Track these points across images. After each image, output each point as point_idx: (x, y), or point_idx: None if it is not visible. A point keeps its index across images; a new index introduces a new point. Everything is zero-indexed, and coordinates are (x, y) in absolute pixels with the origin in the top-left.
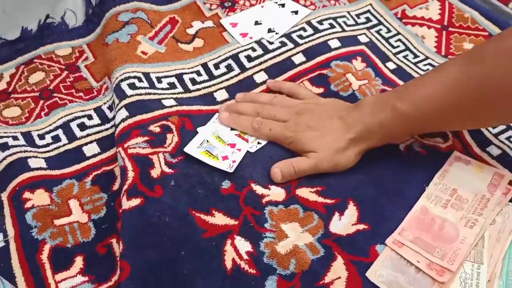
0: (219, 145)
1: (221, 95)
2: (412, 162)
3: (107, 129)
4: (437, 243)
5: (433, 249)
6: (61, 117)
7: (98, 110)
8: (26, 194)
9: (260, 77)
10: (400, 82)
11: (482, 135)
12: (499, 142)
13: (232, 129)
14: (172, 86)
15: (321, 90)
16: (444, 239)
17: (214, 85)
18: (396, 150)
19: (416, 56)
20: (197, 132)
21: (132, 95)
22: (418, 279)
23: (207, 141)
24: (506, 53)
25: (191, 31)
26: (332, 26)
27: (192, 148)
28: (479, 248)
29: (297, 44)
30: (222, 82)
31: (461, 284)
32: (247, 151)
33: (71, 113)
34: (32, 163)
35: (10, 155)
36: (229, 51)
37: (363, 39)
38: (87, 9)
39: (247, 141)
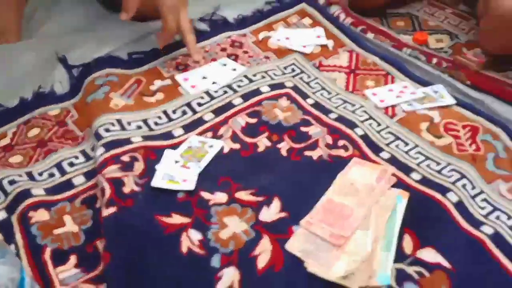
0: (177, 171)
1: (178, 132)
2: (322, 168)
3: (90, 165)
4: (337, 220)
5: (334, 224)
6: (54, 159)
7: (82, 152)
8: (31, 213)
9: (208, 116)
10: (317, 113)
11: (375, 144)
12: (389, 149)
13: (176, 161)
14: (138, 127)
15: (255, 120)
16: (342, 217)
17: (172, 125)
18: (310, 160)
19: (329, 93)
20: (157, 161)
21: (107, 137)
22: (323, 245)
23: (166, 173)
24: None
25: (153, 87)
26: (263, 77)
27: (158, 182)
28: (366, 220)
29: (235, 91)
30: (178, 122)
31: (354, 245)
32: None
33: (62, 156)
34: (34, 192)
35: (17, 187)
36: (184, 101)
37: (288, 84)
38: (71, 79)
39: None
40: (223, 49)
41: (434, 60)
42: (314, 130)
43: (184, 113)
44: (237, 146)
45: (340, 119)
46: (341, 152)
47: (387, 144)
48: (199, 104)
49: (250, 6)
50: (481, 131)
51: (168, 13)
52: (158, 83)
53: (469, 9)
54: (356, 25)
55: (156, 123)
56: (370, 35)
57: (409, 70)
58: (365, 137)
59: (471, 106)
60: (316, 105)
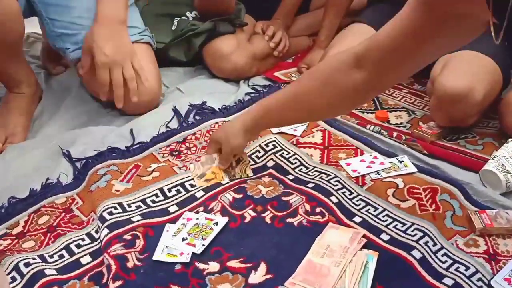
0: (175, 245)
1: (173, 209)
2: (302, 232)
3: (95, 245)
4: (317, 279)
5: (314, 283)
6: (63, 242)
7: (88, 234)
8: None
9: (200, 193)
10: (298, 186)
11: (348, 210)
12: (361, 214)
13: (183, 239)
14: (138, 207)
15: (241, 195)
16: (321, 276)
17: (168, 202)
18: (292, 226)
19: (307, 168)
20: (157, 238)
21: (111, 219)
22: None
23: (166, 246)
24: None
25: (150, 169)
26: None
27: (158, 255)
28: (342, 278)
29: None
30: (173, 200)
31: None
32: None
33: (70, 239)
34: (47, 272)
35: (32, 269)
36: (178, 180)
37: (270, 164)
38: (74, 171)
39: (194, 246)
40: None
41: (395, 134)
42: (294, 198)
43: (178, 192)
44: (226, 218)
45: (317, 188)
46: (318, 218)
47: (359, 210)
48: (191, 185)
49: (232, 97)
50: (440, 192)
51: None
52: (154, 165)
53: (422, 88)
54: None
55: (153, 201)
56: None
57: (375, 145)
58: (339, 204)
59: (430, 171)
60: (296, 180)
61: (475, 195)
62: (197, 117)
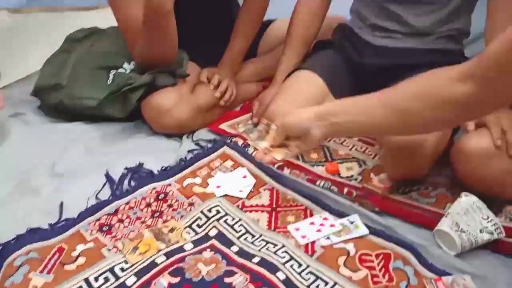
0: None
1: None
2: None
3: None
4: None
5: None
6: None
7: None
8: None
9: (131, 281)
10: (242, 261)
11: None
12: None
13: None
14: None
15: (178, 279)
16: None
17: None
18: None
19: (253, 236)
20: None
21: None
22: None
23: None
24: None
25: (75, 253)
26: (188, 233)
27: None
28: None
29: (160, 250)
30: None
31: None
32: None
33: None
34: None
35: None
36: (106, 265)
37: (212, 232)
38: None
39: None
40: (148, 204)
41: (345, 190)
42: (238, 279)
43: (106, 280)
44: None
45: (263, 263)
46: None
47: (308, 286)
48: (122, 269)
49: (174, 155)
50: (393, 258)
51: None
52: (80, 247)
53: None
54: (273, 162)
55: None
56: (286, 171)
57: (326, 203)
58: (286, 282)
59: (382, 233)
60: (240, 252)
61: (431, 258)
62: (132, 183)
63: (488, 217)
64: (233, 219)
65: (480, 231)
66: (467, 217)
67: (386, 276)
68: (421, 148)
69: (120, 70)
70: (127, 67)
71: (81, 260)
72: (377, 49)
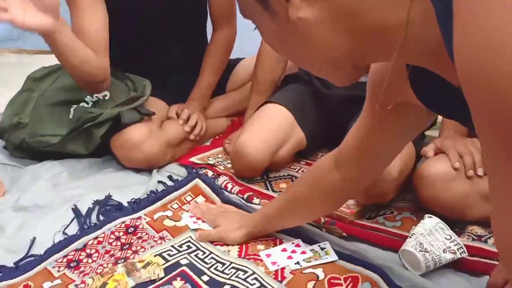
0: None
1: None
2: None
3: None
4: None
5: None
6: None
7: None
8: None
9: None
10: None
11: None
12: None
13: None
14: None
15: None
16: None
17: None
18: None
19: (223, 264)
20: None
21: None
22: None
23: None
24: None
25: None
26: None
27: None
28: None
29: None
30: None
31: None
32: None
33: None
34: None
35: None
36: None
37: (183, 261)
38: None
39: None
40: (117, 238)
41: None
42: None
43: None
44: None
45: None
46: None
47: None
48: None
49: (143, 188)
50: (361, 281)
51: None
52: (47, 285)
53: None
54: (243, 192)
55: None
56: (256, 201)
57: (295, 232)
58: None
59: (350, 257)
60: (211, 281)
61: (397, 279)
62: (101, 217)
63: (451, 237)
64: (204, 253)
65: (444, 250)
66: (431, 238)
67: None
68: (386, 173)
69: (82, 104)
70: (89, 99)
71: None
72: None
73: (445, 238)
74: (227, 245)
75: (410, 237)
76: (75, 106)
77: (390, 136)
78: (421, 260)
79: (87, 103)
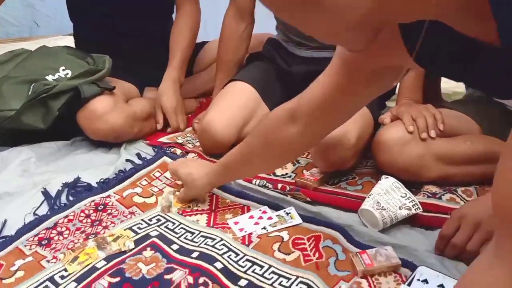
0: None
1: None
2: None
3: None
4: None
5: None
6: None
7: None
8: None
9: (71, 286)
10: (182, 258)
11: (234, 275)
12: (247, 275)
13: None
14: None
15: (117, 279)
16: None
17: None
18: None
19: (192, 234)
20: None
21: None
22: None
23: None
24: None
25: (14, 268)
26: (127, 229)
27: None
28: None
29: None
30: None
31: None
32: None
33: None
34: None
35: None
36: (46, 275)
37: (153, 233)
38: None
39: None
40: (87, 216)
41: (280, 186)
42: (177, 274)
43: None
44: None
45: (201, 256)
46: None
47: (245, 272)
48: (62, 277)
49: (112, 168)
50: (322, 239)
51: None
52: (19, 262)
53: None
54: None
55: None
56: None
57: (262, 199)
58: (224, 270)
59: (313, 219)
60: (180, 249)
61: (357, 236)
62: (71, 198)
63: (406, 195)
64: (173, 224)
65: (399, 208)
66: (387, 196)
67: (317, 254)
68: (345, 140)
69: (43, 81)
70: (50, 78)
71: (20, 273)
72: (301, 59)
73: (401, 196)
74: (196, 214)
75: (368, 197)
76: (36, 83)
77: (359, 95)
78: (378, 218)
79: (47, 81)
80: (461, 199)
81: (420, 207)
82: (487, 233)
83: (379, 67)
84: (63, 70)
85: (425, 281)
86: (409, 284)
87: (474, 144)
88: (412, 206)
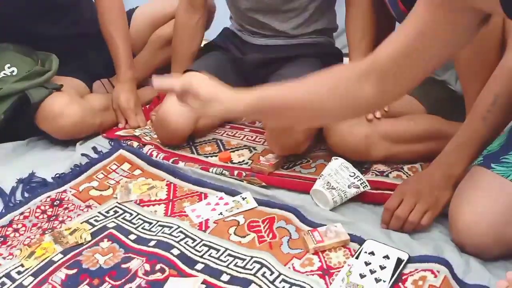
0: None
1: None
2: None
3: None
4: None
5: None
6: None
7: None
8: None
9: (28, 281)
10: (139, 247)
11: (190, 259)
12: (203, 260)
13: None
14: None
15: (74, 270)
16: None
17: None
18: None
19: (150, 223)
20: None
21: None
22: None
23: None
24: None
25: None
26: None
27: None
28: None
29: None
30: None
31: None
32: None
33: None
34: None
35: None
36: (2, 271)
37: (111, 224)
38: None
39: None
40: (43, 212)
41: (236, 172)
42: (134, 263)
43: (3, 284)
44: None
45: (159, 244)
46: (158, 276)
47: (201, 256)
48: (18, 273)
49: (68, 162)
50: (276, 220)
51: None
52: None
53: (261, 124)
54: (168, 158)
55: None
56: (181, 164)
57: (219, 186)
58: (180, 256)
59: (268, 202)
60: (138, 239)
61: (309, 215)
62: (26, 194)
63: (354, 174)
64: (131, 215)
65: (348, 186)
66: (337, 176)
67: (270, 235)
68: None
69: None
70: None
71: None
72: (255, 47)
73: (349, 175)
74: (154, 205)
75: (319, 178)
76: None
77: (441, 37)
78: (328, 197)
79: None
80: (407, 176)
81: (368, 185)
82: (427, 204)
83: (465, 6)
84: (9, 67)
85: (372, 253)
86: (357, 257)
87: (417, 123)
88: (361, 184)
